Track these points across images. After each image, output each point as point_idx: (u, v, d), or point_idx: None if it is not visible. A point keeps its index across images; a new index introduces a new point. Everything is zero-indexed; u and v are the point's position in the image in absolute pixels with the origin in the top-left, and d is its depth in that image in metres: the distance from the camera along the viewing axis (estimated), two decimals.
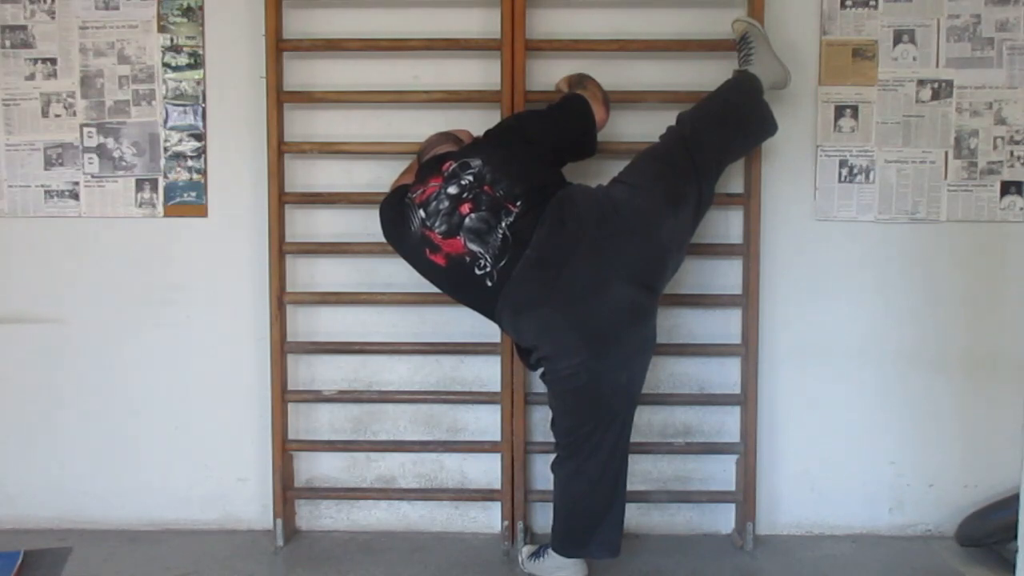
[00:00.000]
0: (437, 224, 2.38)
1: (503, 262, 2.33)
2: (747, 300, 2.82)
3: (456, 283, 2.45)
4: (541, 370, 2.46)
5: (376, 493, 2.99)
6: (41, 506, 3.00)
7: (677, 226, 2.41)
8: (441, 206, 2.39)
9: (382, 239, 2.59)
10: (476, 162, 2.42)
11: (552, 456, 2.60)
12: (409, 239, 2.45)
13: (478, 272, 2.35)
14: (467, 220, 2.36)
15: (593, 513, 2.51)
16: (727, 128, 2.54)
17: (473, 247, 2.35)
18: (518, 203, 2.36)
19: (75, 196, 2.94)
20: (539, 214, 2.33)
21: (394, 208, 2.50)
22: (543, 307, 2.33)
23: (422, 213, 2.41)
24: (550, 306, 2.33)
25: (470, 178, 2.39)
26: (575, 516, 2.53)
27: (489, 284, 2.35)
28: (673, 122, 2.55)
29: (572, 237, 2.32)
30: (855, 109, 2.85)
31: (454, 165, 2.43)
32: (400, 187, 2.55)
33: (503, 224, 2.34)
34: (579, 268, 2.31)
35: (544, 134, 2.50)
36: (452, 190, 2.39)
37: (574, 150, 2.57)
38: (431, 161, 2.51)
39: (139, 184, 2.94)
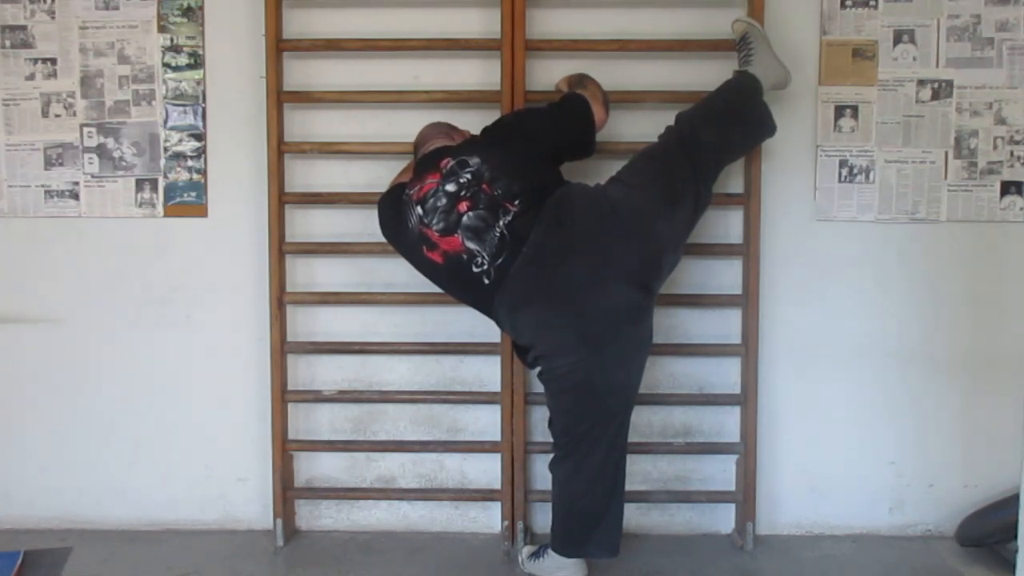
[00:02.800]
0: (435, 222, 2.38)
1: (500, 260, 2.33)
2: (747, 300, 2.82)
3: (453, 280, 2.45)
4: (538, 368, 2.47)
5: (376, 493, 2.99)
6: (41, 506, 3.00)
7: (674, 225, 2.41)
8: (439, 203, 2.38)
9: (382, 239, 2.59)
10: (475, 160, 2.41)
11: (551, 456, 2.60)
12: (407, 237, 2.45)
13: (475, 270, 2.35)
14: (465, 218, 2.36)
15: (591, 513, 2.50)
16: (726, 128, 2.54)
17: (471, 245, 2.35)
18: (516, 202, 2.35)
19: (75, 196, 2.94)
20: (537, 213, 2.33)
21: (392, 206, 2.50)
22: (540, 305, 2.34)
23: (419, 210, 2.41)
24: (547, 304, 2.33)
25: (468, 176, 2.39)
26: (573, 516, 2.53)
27: (486, 282, 2.35)
28: (672, 122, 2.55)
29: (569, 236, 2.32)
30: (855, 109, 2.85)
31: (452, 162, 2.42)
32: (397, 184, 2.55)
33: (501, 223, 2.34)
34: (576, 267, 2.31)
35: (543, 133, 2.50)
36: (450, 187, 2.39)
37: (573, 150, 2.57)
38: (428, 157, 2.51)
39: (139, 184, 2.94)
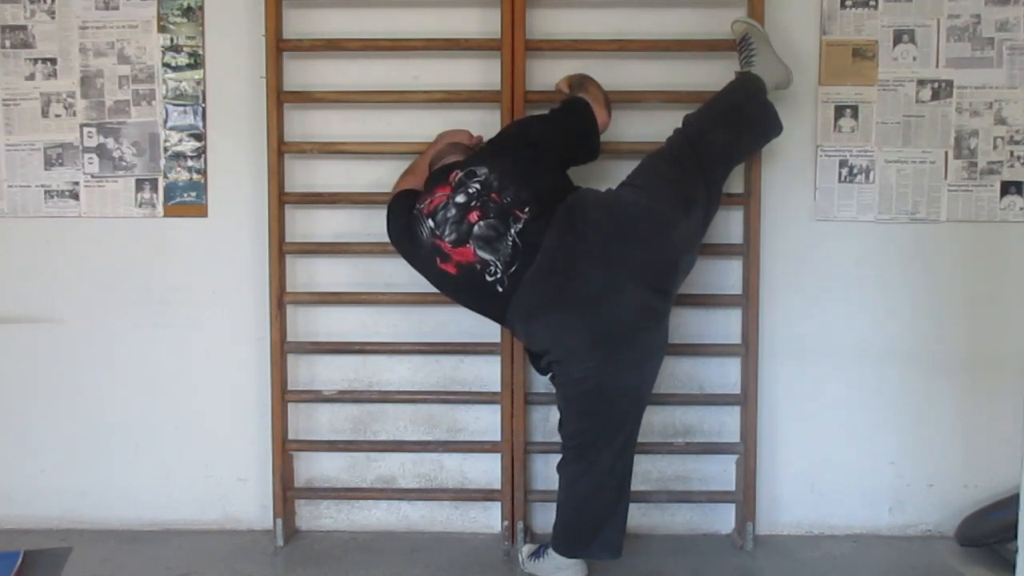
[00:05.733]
0: (446, 233, 2.38)
1: (513, 268, 2.33)
2: (747, 300, 2.82)
3: (467, 291, 2.44)
4: (550, 374, 2.46)
5: (376, 493, 2.99)
6: (41, 506, 3.00)
7: (687, 228, 2.41)
8: (449, 214, 2.38)
9: (382, 239, 2.60)
10: (482, 170, 2.41)
11: (553, 456, 2.60)
12: (420, 251, 2.45)
13: (489, 279, 2.35)
14: (476, 228, 2.36)
15: (597, 514, 2.50)
16: (733, 129, 2.54)
17: (483, 255, 2.35)
18: (526, 209, 2.35)
19: (75, 196, 2.94)
20: (548, 220, 2.33)
21: (402, 218, 2.50)
22: (555, 312, 2.33)
23: (431, 223, 2.41)
24: (562, 310, 2.32)
25: (477, 186, 2.39)
26: (579, 517, 2.53)
27: (500, 290, 2.35)
28: (676, 123, 2.55)
29: (582, 241, 2.31)
30: (855, 109, 2.85)
31: (460, 174, 2.43)
32: (407, 196, 2.54)
33: (512, 231, 2.34)
34: (590, 272, 2.30)
35: (547, 138, 2.50)
36: (460, 199, 2.39)
37: (578, 154, 2.57)
38: (438, 172, 2.51)
39: (139, 184, 2.93)
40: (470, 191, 2.39)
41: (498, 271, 2.34)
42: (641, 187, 2.42)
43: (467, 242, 2.36)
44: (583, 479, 2.49)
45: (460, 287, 2.45)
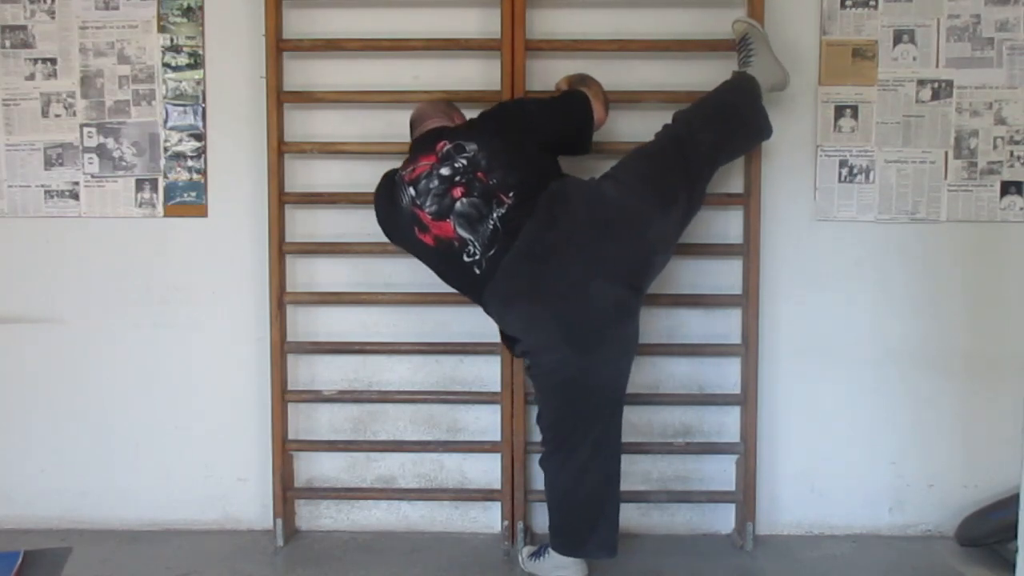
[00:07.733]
0: (427, 204, 2.37)
1: (492, 251, 2.33)
2: (747, 300, 2.82)
3: (444, 264, 2.44)
4: (527, 363, 2.46)
5: (376, 493, 2.99)
6: (41, 506, 3.00)
7: (666, 226, 2.41)
8: (431, 185, 2.37)
9: (382, 239, 2.60)
10: (472, 146, 2.40)
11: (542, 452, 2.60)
12: (399, 217, 2.44)
13: (466, 259, 2.35)
14: (458, 204, 2.35)
15: (586, 513, 2.50)
16: (722, 129, 2.53)
17: (463, 233, 2.35)
18: (511, 194, 2.34)
19: (75, 196, 2.94)
20: (531, 208, 2.32)
21: (385, 187, 2.49)
22: (529, 301, 2.34)
23: (412, 191, 2.40)
24: (536, 301, 2.33)
25: (464, 162, 2.38)
26: (568, 514, 2.53)
27: (477, 272, 2.35)
28: (670, 121, 2.54)
29: (561, 233, 2.31)
30: (855, 109, 2.85)
31: (449, 146, 2.41)
32: (391, 169, 2.53)
33: (495, 215, 2.33)
34: (566, 264, 2.30)
35: (542, 124, 2.48)
36: (444, 171, 2.38)
37: (568, 145, 2.55)
38: (424, 138, 2.49)
39: (139, 184, 2.94)
40: (456, 165, 2.38)
41: (476, 252, 2.34)
42: (623, 183, 2.41)
43: (448, 217, 2.35)
44: (562, 471, 2.49)
45: (437, 259, 2.44)
